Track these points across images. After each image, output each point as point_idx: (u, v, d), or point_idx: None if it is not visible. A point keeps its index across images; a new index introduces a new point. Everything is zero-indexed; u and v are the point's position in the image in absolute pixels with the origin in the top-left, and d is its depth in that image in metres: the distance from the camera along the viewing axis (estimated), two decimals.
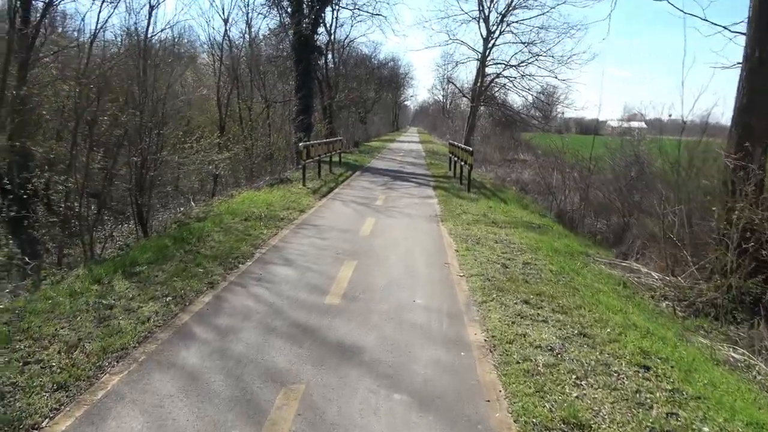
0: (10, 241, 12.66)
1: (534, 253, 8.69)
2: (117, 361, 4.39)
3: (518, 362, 4.61)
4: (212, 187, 21.43)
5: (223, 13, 20.17)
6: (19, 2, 13.46)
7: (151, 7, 16.62)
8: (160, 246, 8.16)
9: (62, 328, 5.02)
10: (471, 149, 15.25)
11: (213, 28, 44.83)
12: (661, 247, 9.61)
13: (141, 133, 10.29)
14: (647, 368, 4.72)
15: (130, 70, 11.48)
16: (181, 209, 15.03)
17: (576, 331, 5.36)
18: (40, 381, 3.99)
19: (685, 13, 9.53)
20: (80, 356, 4.39)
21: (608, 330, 5.48)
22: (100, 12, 11.69)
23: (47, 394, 3.83)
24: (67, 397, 3.82)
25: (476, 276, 7.06)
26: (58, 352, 4.46)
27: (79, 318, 5.31)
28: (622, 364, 4.74)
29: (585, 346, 5.04)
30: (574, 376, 4.40)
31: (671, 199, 9.94)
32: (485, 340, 5.09)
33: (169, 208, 19.36)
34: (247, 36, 24.83)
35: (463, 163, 16.99)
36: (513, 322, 5.50)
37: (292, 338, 4.94)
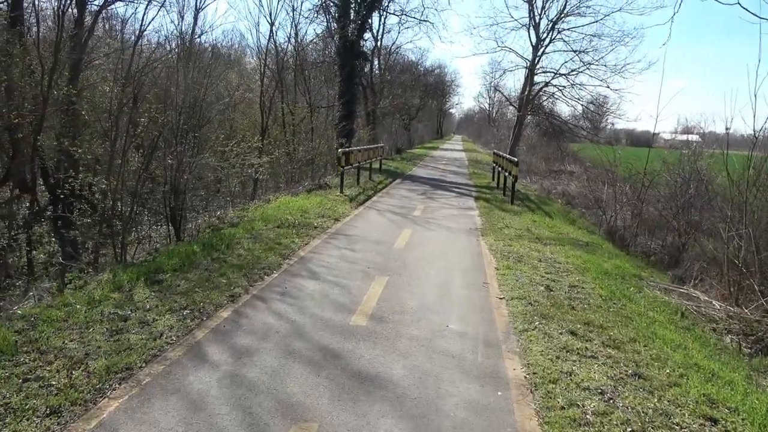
0: (53, 240, 12.83)
1: (581, 274, 8.01)
2: (119, 383, 4.05)
3: (563, 408, 4.03)
4: (252, 191, 21.45)
5: (270, 17, 20.06)
6: (74, 3, 13.72)
7: (197, 10, 16.77)
8: (187, 252, 7.91)
9: (71, 341, 4.75)
10: (516, 159, 14.59)
11: (260, 32, 45.22)
12: (723, 273, 8.76)
13: (177, 135, 10.14)
14: (714, 421, 4.07)
15: (171, 72, 11.40)
16: (218, 213, 14.95)
17: (630, 371, 4.73)
18: (35, 403, 3.68)
19: (761, 18, 8.60)
20: (81, 376, 4.08)
21: (667, 371, 4.82)
22: (145, 14, 11.71)
23: (38, 420, 3.52)
24: (58, 424, 3.49)
25: (517, 299, 6.47)
26: (60, 370, 4.16)
27: (91, 330, 5.05)
28: (684, 414, 4.09)
29: (641, 390, 4.41)
30: (629, 429, 3.80)
31: (736, 220, 9.07)
32: (525, 377, 4.53)
33: (209, 210, 19.41)
34: (293, 40, 24.88)
35: (507, 174, 16.32)
36: (557, 357, 4.90)
37: (312, 364, 4.51)
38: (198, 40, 23.51)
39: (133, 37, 13.17)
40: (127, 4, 13.58)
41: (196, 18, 16.17)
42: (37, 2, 12.98)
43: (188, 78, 10.71)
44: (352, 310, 5.82)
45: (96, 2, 13.85)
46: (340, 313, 5.71)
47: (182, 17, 17.40)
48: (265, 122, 20.72)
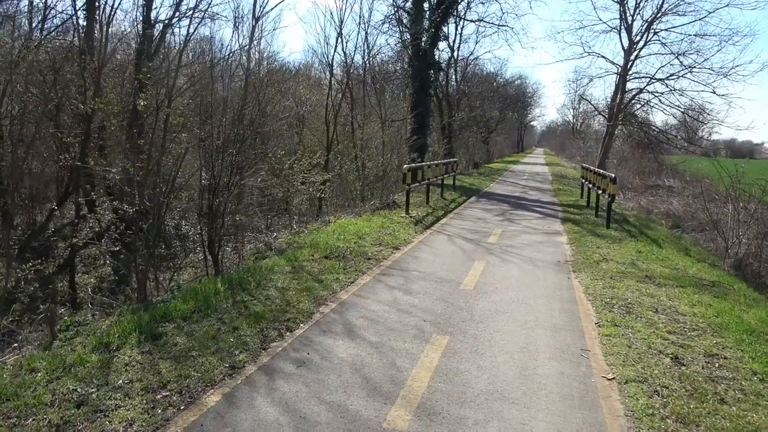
0: (107, 262, 12.05)
1: (719, 335, 5.82)
2: None
3: None
4: (317, 210, 20.31)
5: (338, 25, 18.98)
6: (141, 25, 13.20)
7: (256, 19, 15.85)
8: (207, 293, 6.53)
9: None
10: (613, 175, 12.27)
11: (328, 43, 44.42)
12: None
13: (213, 152, 8.91)
14: None
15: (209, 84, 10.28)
16: (274, 235, 13.78)
17: None
18: None
19: None
20: None
21: None
22: (189, 27, 10.73)
23: None
24: None
25: (635, 383, 4.47)
26: None
27: (30, 420, 3.66)
28: None
29: None
30: None
31: None
32: None
33: (272, 230, 18.42)
34: (363, 51, 23.73)
35: (600, 192, 13.98)
36: None
37: None
38: (255, 51, 22.94)
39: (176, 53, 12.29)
40: (191, 20, 12.78)
41: (253, 28, 15.23)
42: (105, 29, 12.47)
43: (229, 90, 9.47)
44: (392, 397, 4.08)
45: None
46: (374, 401, 4.00)
47: (238, 27, 16.55)
48: (331, 137, 19.51)
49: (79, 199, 11.93)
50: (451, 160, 21.88)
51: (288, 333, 5.35)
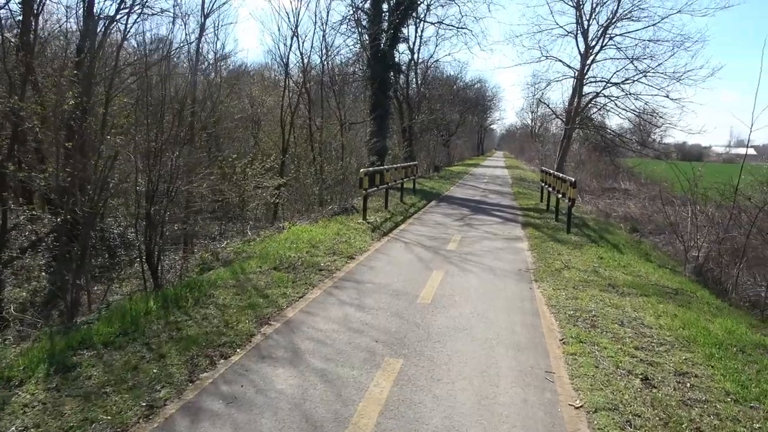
0: (42, 274, 11.09)
1: (687, 349, 5.51)
2: None
3: None
4: (273, 215, 19.61)
5: (294, 26, 18.26)
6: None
7: (205, 16, 15.09)
8: (137, 313, 5.85)
9: None
10: (573, 179, 12.07)
11: (284, 44, 43.17)
12: None
13: (149, 159, 8.17)
14: None
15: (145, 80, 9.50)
16: (224, 243, 13.06)
17: None
18: None
19: None
20: None
21: None
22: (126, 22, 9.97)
23: None
24: None
25: (604, 411, 4.06)
26: None
27: None
28: None
29: None
30: None
31: None
32: None
33: (226, 236, 17.61)
34: (322, 52, 23.12)
35: (560, 196, 13.80)
36: None
37: None
38: (209, 50, 22.06)
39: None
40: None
41: (202, 26, 14.48)
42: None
43: (165, 90, 8.74)
44: None
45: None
46: None
47: (185, 24, 15.75)
48: (287, 139, 18.81)
49: (4, 207, 10.93)
50: (411, 163, 21.50)
51: (222, 360, 4.74)
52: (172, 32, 28.32)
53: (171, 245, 16.61)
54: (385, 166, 17.66)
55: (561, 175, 14.15)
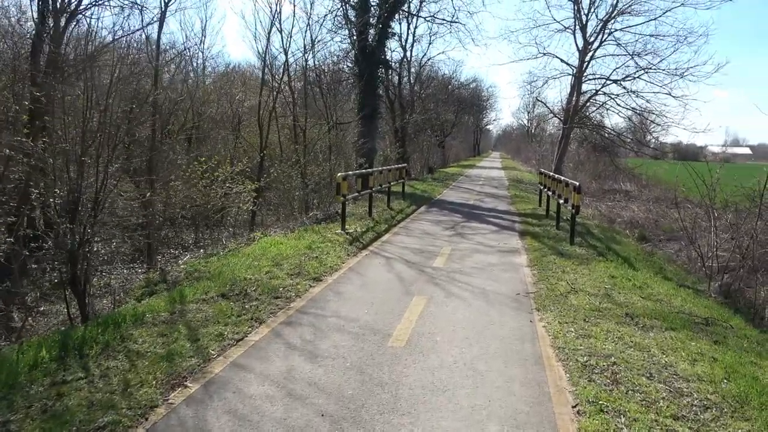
0: None
1: (740, 414, 4.12)
2: None
3: None
4: (250, 223, 18.19)
5: (278, 17, 16.80)
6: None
7: (166, 3, 13.66)
8: (20, 367, 4.45)
9: None
10: (577, 184, 10.67)
11: (267, 39, 41.88)
12: None
13: (68, 163, 6.73)
14: None
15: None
16: (185, 258, 11.69)
17: None
18: None
19: None
20: None
21: None
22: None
23: None
24: None
25: None
26: None
27: None
28: None
29: None
30: None
31: None
32: None
33: (203, 246, 16.23)
34: (305, 47, 21.72)
35: (562, 201, 12.41)
36: None
37: None
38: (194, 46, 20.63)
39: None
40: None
41: (163, 14, 13.08)
42: None
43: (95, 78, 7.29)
44: None
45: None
46: None
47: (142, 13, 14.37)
48: (265, 140, 17.35)
49: None
50: (399, 165, 20.08)
51: None
52: (127, 21, 26.82)
53: (125, 260, 15.10)
54: (369, 170, 16.26)
55: (562, 178, 12.76)
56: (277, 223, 17.17)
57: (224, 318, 5.85)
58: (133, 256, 16.18)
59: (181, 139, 22.65)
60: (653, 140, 32.74)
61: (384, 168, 17.07)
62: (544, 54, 30.05)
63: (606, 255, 10.12)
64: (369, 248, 10.26)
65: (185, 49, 22.40)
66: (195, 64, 29.47)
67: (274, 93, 17.79)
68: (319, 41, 21.00)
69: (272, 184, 21.00)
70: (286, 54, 19.40)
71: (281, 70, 18.62)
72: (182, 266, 9.20)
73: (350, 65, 25.09)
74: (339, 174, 11.53)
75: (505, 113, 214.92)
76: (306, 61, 20.29)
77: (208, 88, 25.95)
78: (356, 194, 13.13)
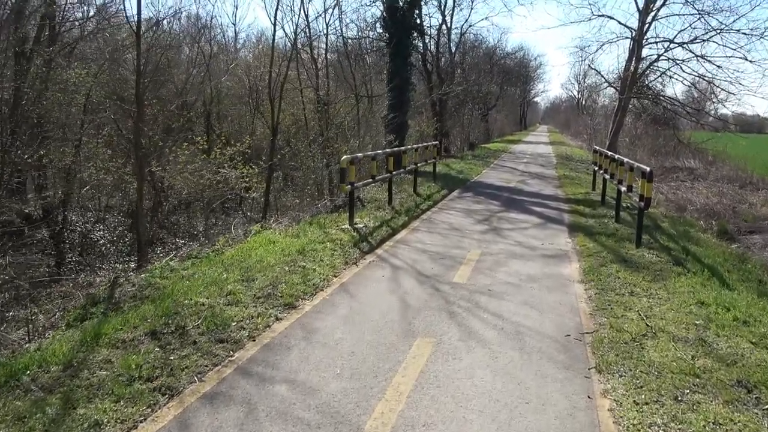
0: None
1: None
2: None
3: None
4: (263, 210, 16.44)
5: None
6: None
7: None
8: None
9: None
10: (648, 170, 8.19)
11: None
12: None
13: None
14: None
15: None
16: (182, 250, 10.09)
17: None
18: None
19: None
20: None
21: None
22: None
23: None
24: None
25: None
26: None
27: None
28: None
29: None
30: None
31: None
32: None
33: (210, 234, 14.65)
34: (327, 9, 19.60)
35: (624, 189, 9.96)
36: None
37: None
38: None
39: None
40: None
41: None
42: None
43: None
44: None
45: None
46: None
47: None
48: (277, 116, 15.37)
49: None
50: (429, 143, 17.79)
51: None
52: None
53: (121, 252, 13.48)
54: (393, 148, 14.09)
55: (625, 159, 10.25)
56: (293, 208, 15.37)
57: (126, 383, 3.95)
58: (131, 248, 14.72)
59: (198, 116, 21.01)
60: (713, 110, 29.12)
61: (409, 147, 14.88)
62: (599, 16, 26.81)
63: (685, 263, 7.71)
64: (377, 251, 8.20)
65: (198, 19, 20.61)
66: (225, 37, 27.71)
67: (287, 61, 15.70)
68: (343, 3, 18.79)
69: (293, 165, 19.15)
70: (306, 16, 17.27)
71: (297, 34, 16.53)
72: (142, 276, 7.39)
73: (377, 31, 22.76)
74: (344, 157, 9.43)
75: (554, 84, 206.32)
76: (327, 24, 18.12)
77: (227, 60, 24.19)
78: (370, 180, 11.03)
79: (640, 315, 5.49)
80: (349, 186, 9.43)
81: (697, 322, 5.33)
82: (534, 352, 4.65)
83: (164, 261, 9.43)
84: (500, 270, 7.23)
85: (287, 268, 6.90)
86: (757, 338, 5.07)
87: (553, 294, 6.27)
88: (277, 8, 15.77)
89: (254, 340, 4.82)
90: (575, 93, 77.50)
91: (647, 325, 5.21)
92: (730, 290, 6.59)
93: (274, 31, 16.75)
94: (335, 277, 6.78)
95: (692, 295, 6.18)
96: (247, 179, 11.96)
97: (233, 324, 5.11)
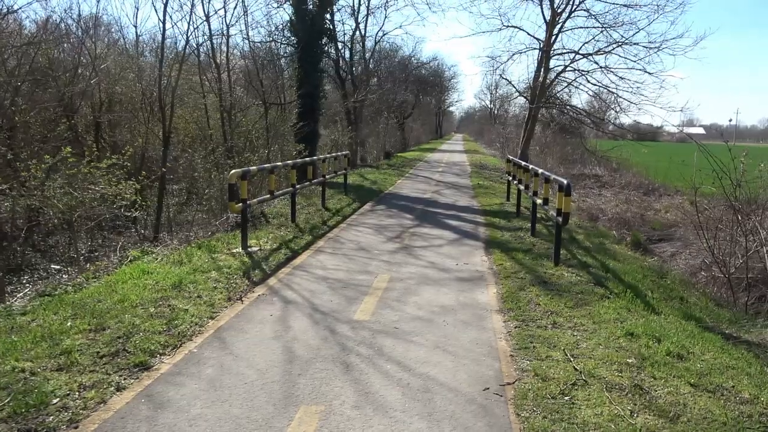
0: None
1: None
2: None
3: None
4: (154, 228, 14.77)
5: None
6: None
7: None
8: None
9: None
10: (566, 182, 7.61)
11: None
12: None
13: None
14: None
15: None
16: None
17: None
18: None
19: None
20: None
21: None
22: None
23: None
24: None
25: None
26: None
27: None
28: None
29: None
30: None
31: None
32: None
33: (95, 255, 12.88)
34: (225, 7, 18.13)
35: (539, 201, 9.42)
36: None
37: None
38: None
39: None
40: None
41: None
42: None
43: None
44: None
45: None
46: None
47: None
48: (168, 124, 13.75)
49: None
50: (338, 153, 16.82)
51: None
52: None
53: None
54: (271, 164, 12.95)
55: (540, 171, 9.72)
56: (197, 223, 13.83)
57: None
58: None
59: (88, 124, 18.80)
60: (613, 119, 30.36)
61: (317, 157, 13.81)
62: (508, 26, 27.12)
63: (606, 282, 7.16)
64: (270, 281, 7.04)
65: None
66: (125, 39, 25.31)
67: (179, 63, 14.14)
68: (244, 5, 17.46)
69: (196, 176, 17.48)
70: (207, 15, 15.76)
71: (190, 33, 14.99)
72: None
73: (285, 34, 21.59)
74: (233, 171, 8.18)
75: (467, 94, 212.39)
76: (228, 25, 16.69)
77: (122, 63, 21.97)
78: (268, 196, 9.84)
79: (566, 355, 4.72)
80: (241, 204, 8.18)
81: (630, 361, 4.63)
82: (445, 419, 3.70)
83: (8, 302, 7.77)
84: (410, 300, 6.30)
85: (153, 310, 5.60)
86: (695, 378, 4.42)
87: (468, 330, 5.40)
88: (164, 15, 14.05)
89: (76, 429, 3.54)
90: (488, 102, 79.66)
91: (575, 368, 4.43)
92: (657, 314, 6.03)
93: (164, 29, 15.07)
94: (211, 319, 5.56)
95: (619, 323, 5.53)
96: (128, 195, 10.35)
97: (54, 402, 3.79)
